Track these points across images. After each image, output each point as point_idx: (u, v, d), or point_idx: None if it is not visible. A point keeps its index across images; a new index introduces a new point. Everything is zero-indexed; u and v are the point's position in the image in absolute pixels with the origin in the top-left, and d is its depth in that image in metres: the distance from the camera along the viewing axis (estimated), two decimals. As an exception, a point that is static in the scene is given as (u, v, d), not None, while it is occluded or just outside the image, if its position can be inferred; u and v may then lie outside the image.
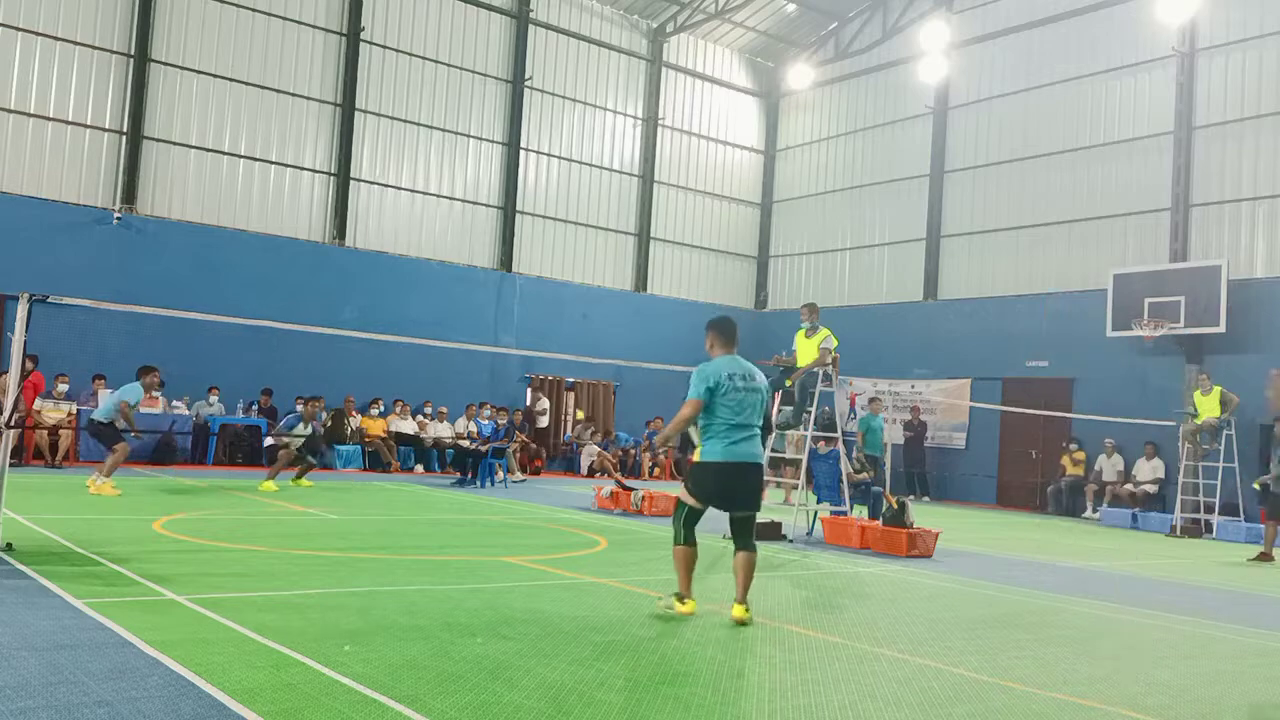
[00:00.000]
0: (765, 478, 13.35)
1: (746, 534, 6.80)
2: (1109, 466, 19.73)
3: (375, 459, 20.45)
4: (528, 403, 23.84)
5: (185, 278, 19.07)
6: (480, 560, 8.97)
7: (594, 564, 8.95)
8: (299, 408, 16.13)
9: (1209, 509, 17.02)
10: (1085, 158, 21.83)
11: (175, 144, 19.88)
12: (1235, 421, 17.22)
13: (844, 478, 12.30)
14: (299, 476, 15.09)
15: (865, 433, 16.79)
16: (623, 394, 25.20)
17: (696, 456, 6.83)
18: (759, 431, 6.82)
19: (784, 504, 13.34)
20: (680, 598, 6.72)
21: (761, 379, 6.90)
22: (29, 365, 14.82)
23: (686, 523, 6.85)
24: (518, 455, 20.81)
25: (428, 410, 21.59)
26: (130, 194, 19.28)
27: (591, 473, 22.85)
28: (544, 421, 23.82)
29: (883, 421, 17.57)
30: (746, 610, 6.51)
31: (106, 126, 19.26)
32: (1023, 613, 7.90)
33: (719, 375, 6.72)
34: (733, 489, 6.73)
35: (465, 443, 19.65)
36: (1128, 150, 21.19)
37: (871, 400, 18.39)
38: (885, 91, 26.11)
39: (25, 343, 7.62)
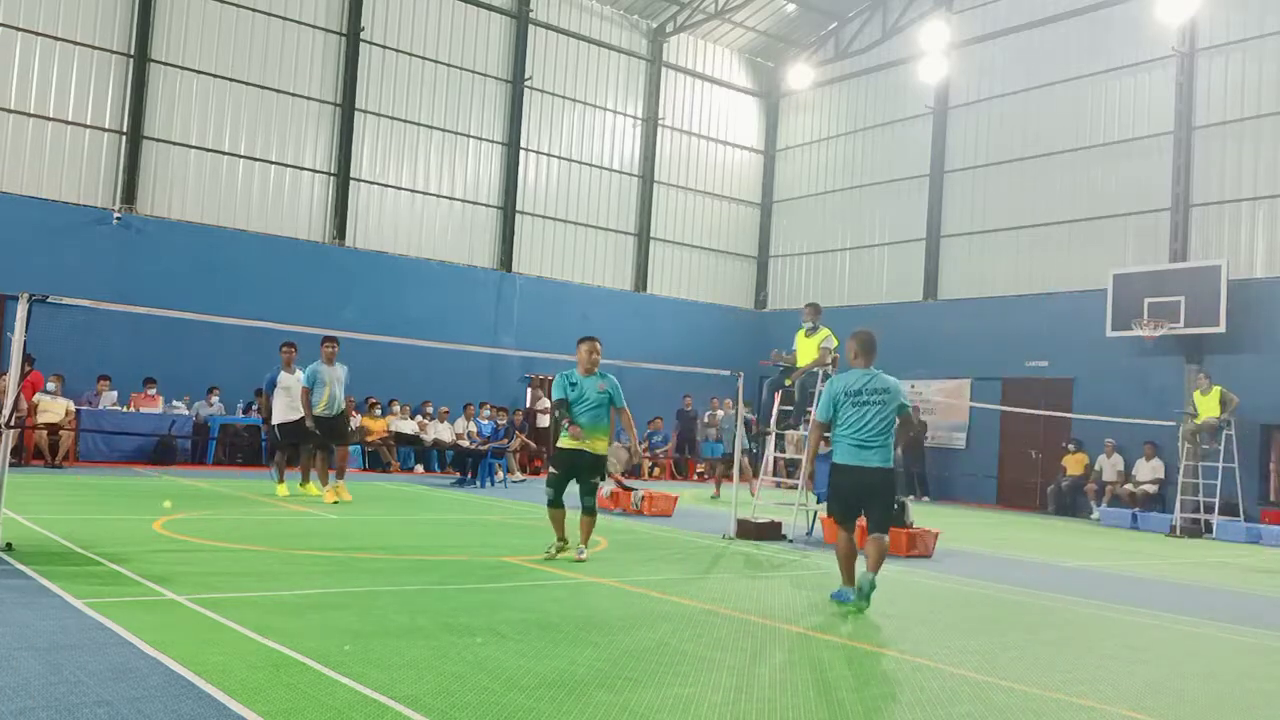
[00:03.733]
0: (766, 476, 13.41)
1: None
2: (1109, 466, 19.73)
3: (375, 459, 20.45)
4: (528, 403, 23.84)
5: (185, 278, 19.07)
6: (480, 560, 8.97)
7: (594, 564, 8.94)
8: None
9: (1209, 509, 17.01)
10: (1085, 158, 21.83)
11: (175, 144, 19.88)
12: (1235, 421, 17.23)
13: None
14: (303, 480, 13.65)
15: None
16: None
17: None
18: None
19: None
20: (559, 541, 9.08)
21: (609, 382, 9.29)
22: (26, 366, 14.83)
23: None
24: (517, 455, 20.81)
25: (428, 410, 21.58)
26: (130, 194, 19.28)
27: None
28: (545, 421, 23.79)
29: None
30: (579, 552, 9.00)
31: (106, 126, 19.26)
32: (1023, 613, 7.90)
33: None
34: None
35: (465, 443, 19.64)
36: (1128, 150, 21.19)
37: None
38: (885, 91, 26.12)
39: (25, 343, 7.61)
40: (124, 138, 19.36)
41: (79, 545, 7.92)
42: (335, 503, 12.60)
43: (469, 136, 23.54)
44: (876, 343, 7.74)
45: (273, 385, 13.35)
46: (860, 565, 7.54)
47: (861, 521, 7.69)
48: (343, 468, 13.20)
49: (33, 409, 15.69)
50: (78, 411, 17.00)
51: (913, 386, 23.64)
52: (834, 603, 7.51)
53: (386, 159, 22.40)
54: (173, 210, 19.83)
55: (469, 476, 18.26)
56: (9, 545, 7.43)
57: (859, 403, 7.47)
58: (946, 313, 23.79)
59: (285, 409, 13.22)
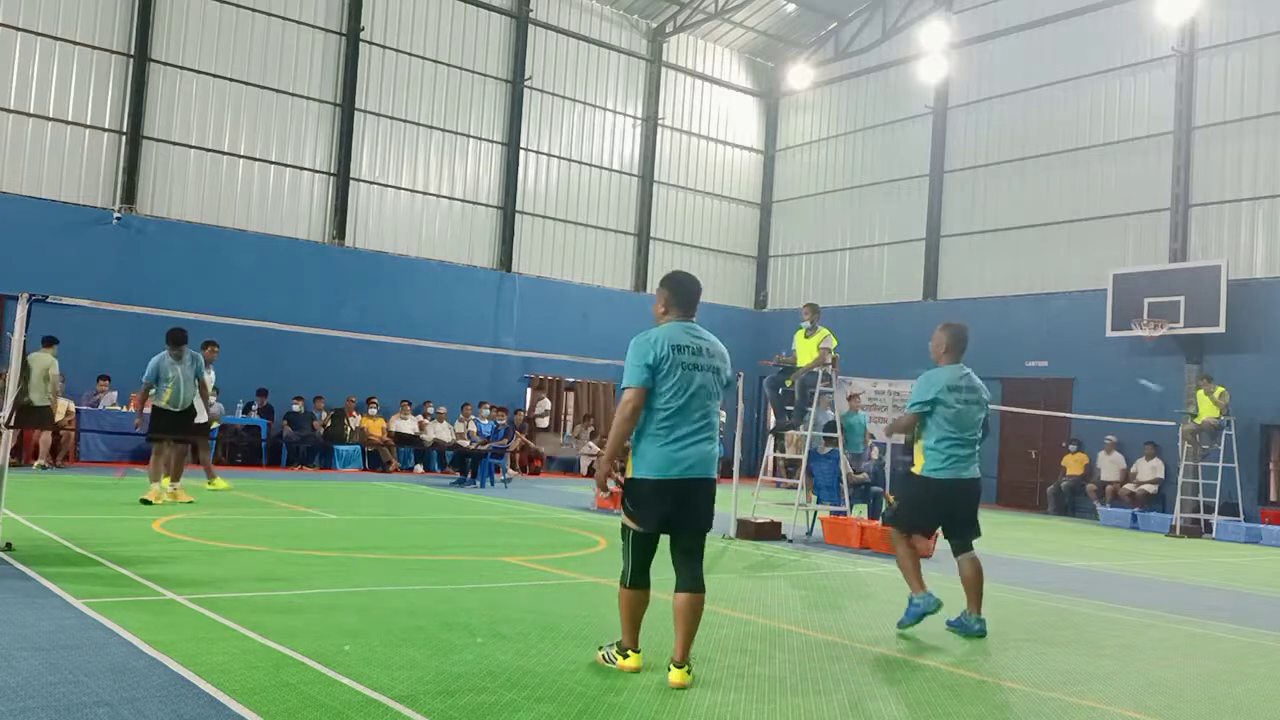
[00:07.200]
0: (767, 476, 13.37)
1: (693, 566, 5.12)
2: (1108, 464, 19.72)
3: (375, 459, 20.46)
4: (528, 403, 23.84)
5: (185, 278, 19.06)
6: (480, 560, 8.97)
7: (594, 564, 8.94)
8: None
9: (1208, 509, 17.02)
10: (1085, 158, 21.83)
11: (175, 144, 19.88)
12: (1235, 421, 17.24)
13: (844, 478, 12.30)
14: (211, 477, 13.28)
15: (845, 431, 16.32)
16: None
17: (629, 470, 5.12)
18: (713, 429, 5.11)
19: (804, 504, 13.10)
20: (623, 649, 5.14)
21: (720, 352, 5.19)
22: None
23: (634, 556, 5.09)
24: (517, 456, 20.82)
25: (428, 410, 21.59)
26: (130, 194, 19.27)
27: (591, 473, 22.85)
28: (544, 423, 23.82)
29: (864, 418, 17.01)
30: (687, 673, 4.89)
31: (106, 126, 19.26)
32: (1023, 613, 7.90)
33: (662, 347, 4.97)
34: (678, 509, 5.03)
35: (465, 443, 19.64)
36: (1128, 150, 21.19)
37: (850, 398, 17.99)
38: (885, 91, 26.12)
39: (25, 343, 7.62)
40: (124, 138, 19.35)
41: (79, 545, 7.92)
42: (175, 499, 11.73)
43: (469, 136, 23.54)
44: (968, 338, 7.08)
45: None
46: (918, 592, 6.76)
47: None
48: (179, 469, 12.13)
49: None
50: (78, 411, 17.01)
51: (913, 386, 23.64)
52: (914, 621, 6.61)
53: (386, 159, 22.40)
54: (173, 210, 19.82)
55: (469, 476, 18.26)
56: (9, 545, 7.43)
57: (966, 400, 6.76)
58: (946, 313, 23.70)
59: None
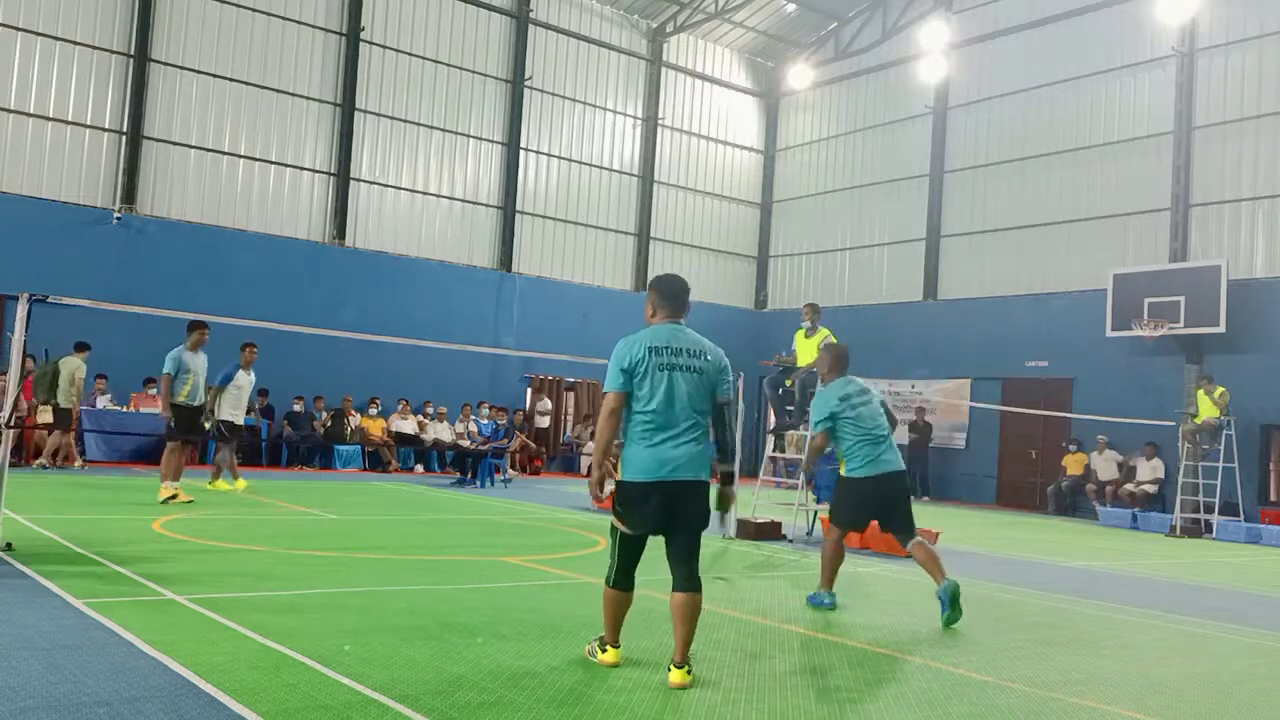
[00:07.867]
0: (765, 477, 13.37)
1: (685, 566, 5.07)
2: (1102, 463, 19.70)
3: (375, 459, 20.46)
4: (528, 403, 23.84)
5: (185, 278, 19.07)
6: (480, 560, 8.97)
7: (594, 564, 8.93)
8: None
9: (1209, 509, 17.01)
10: (1085, 158, 21.83)
11: (175, 144, 19.88)
12: (1235, 421, 17.24)
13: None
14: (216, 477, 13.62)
15: None
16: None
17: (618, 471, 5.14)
18: (701, 429, 5.07)
19: (804, 504, 13.08)
20: (604, 644, 5.21)
21: (715, 356, 5.12)
22: (29, 364, 14.88)
23: (620, 557, 5.20)
24: (517, 456, 20.81)
25: (428, 411, 21.59)
26: (130, 194, 19.28)
27: (590, 473, 22.85)
28: (544, 422, 23.81)
29: None
30: (687, 673, 4.85)
31: (106, 126, 19.26)
32: (1023, 613, 7.90)
33: (638, 350, 5.00)
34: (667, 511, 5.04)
35: (465, 443, 19.64)
36: (1128, 150, 21.19)
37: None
38: (885, 91, 26.12)
39: (25, 343, 7.62)
40: (124, 138, 19.35)
41: (79, 545, 7.92)
42: (176, 500, 11.65)
43: (469, 136, 23.54)
44: (848, 357, 7.90)
45: (227, 381, 13.36)
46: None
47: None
48: (180, 466, 12.07)
49: (33, 409, 15.68)
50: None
51: (913, 386, 23.66)
52: (814, 607, 7.35)
53: (386, 159, 22.40)
54: (173, 210, 19.82)
55: (469, 476, 18.26)
56: (9, 545, 7.43)
57: (857, 403, 7.45)
58: (946, 313, 23.78)
59: (230, 407, 13.35)
